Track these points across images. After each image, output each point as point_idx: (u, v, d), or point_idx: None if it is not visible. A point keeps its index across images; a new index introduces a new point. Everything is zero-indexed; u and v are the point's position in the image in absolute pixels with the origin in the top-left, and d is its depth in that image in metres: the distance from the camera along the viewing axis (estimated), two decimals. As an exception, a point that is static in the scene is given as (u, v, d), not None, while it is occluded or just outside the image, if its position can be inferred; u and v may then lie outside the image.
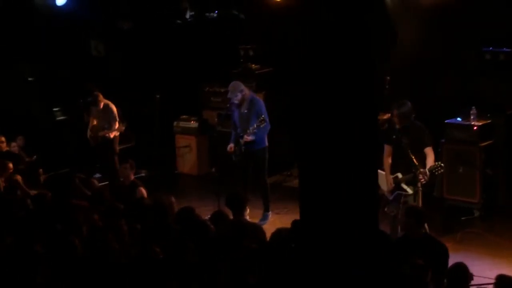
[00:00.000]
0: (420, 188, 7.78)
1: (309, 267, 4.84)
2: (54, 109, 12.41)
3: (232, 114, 9.60)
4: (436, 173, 7.91)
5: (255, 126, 9.17)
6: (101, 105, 11.05)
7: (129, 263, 6.03)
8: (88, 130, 11.20)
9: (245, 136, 9.27)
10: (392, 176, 8.02)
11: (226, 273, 5.70)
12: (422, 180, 7.74)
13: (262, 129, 9.24)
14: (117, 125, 11.12)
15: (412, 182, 7.83)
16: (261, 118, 9.16)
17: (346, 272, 4.70)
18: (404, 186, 7.94)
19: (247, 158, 9.46)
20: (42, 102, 12.36)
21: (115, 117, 11.05)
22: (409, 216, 6.64)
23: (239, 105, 9.41)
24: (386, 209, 8.02)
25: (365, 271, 4.71)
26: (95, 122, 11.14)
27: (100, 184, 9.71)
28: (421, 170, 7.72)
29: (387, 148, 8.09)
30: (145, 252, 6.01)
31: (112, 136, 11.06)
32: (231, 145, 9.48)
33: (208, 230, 6.69)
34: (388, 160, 8.07)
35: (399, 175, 7.98)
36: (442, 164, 7.87)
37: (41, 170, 9.22)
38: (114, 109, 11.04)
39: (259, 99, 9.72)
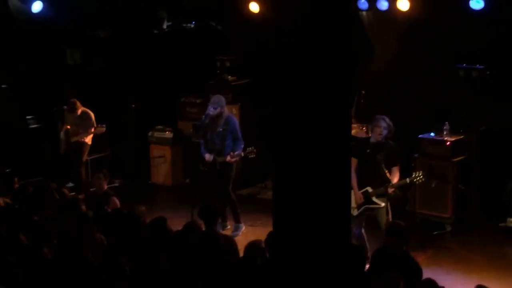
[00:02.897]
0: (388, 201, 7.86)
1: (283, 280, 4.83)
2: (28, 117, 12.29)
3: (202, 124, 9.54)
4: (417, 182, 8.00)
5: (242, 154, 9.24)
6: (79, 111, 11.03)
7: (99, 273, 5.98)
8: (62, 133, 11.13)
9: (228, 157, 9.27)
10: (361, 191, 8.03)
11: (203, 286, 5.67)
12: (392, 193, 7.81)
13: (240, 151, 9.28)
14: (93, 131, 11.08)
15: (382, 195, 7.87)
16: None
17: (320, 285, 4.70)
18: (376, 200, 7.97)
19: (217, 171, 9.45)
20: (15, 109, 12.23)
21: (93, 124, 11.03)
22: (391, 234, 6.55)
23: (214, 120, 9.37)
24: None
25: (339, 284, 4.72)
26: (69, 127, 11.09)
27: (71, 193, 9.62)
28: (392, 183, 7.79)
29: (353, 162, 8.00)
30: (115, 262, 5.96)
31: (86, 140, 11.00)
32: (212, 155, 9.45)
33: (180, 241, 6.67)
34: (354, 175, 7.97)
35: (369, 189, 8.00)
36: (424, 173, 7.96)
37: (16, 179, 9.16)
38: (92, 116, 11.02)
39: (234, 117, 9.74)
